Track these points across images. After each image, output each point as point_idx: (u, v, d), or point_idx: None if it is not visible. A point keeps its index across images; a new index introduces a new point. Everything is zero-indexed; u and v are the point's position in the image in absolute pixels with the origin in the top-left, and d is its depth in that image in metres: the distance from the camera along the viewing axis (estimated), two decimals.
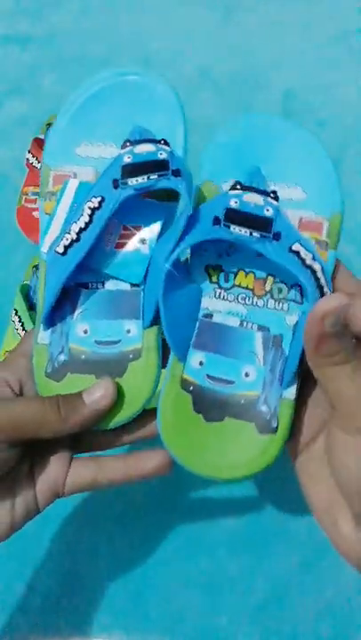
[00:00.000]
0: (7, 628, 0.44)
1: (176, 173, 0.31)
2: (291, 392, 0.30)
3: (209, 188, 0.33)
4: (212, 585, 0.45)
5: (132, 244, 0.33)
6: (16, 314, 0.52)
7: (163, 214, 0.33)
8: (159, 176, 0.30)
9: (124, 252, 0.33)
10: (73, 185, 0.32)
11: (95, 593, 0.45)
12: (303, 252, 0.29)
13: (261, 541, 0.47)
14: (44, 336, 0.33)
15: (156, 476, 0.33)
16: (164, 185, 0.30)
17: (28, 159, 0.66)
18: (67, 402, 0.30)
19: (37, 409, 0.30)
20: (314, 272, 0.29)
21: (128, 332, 0.32)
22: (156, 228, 0.33)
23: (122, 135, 0.33)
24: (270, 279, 0.32)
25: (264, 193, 0.31)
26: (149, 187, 0.30)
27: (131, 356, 0.32)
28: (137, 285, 0.33)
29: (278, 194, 0.31)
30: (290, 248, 0.29)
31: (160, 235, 0.33)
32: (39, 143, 0.68)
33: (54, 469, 0.33)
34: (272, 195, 0.31)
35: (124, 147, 0.32)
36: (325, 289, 0.29)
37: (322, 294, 0.29)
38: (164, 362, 0.33)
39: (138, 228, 0.33)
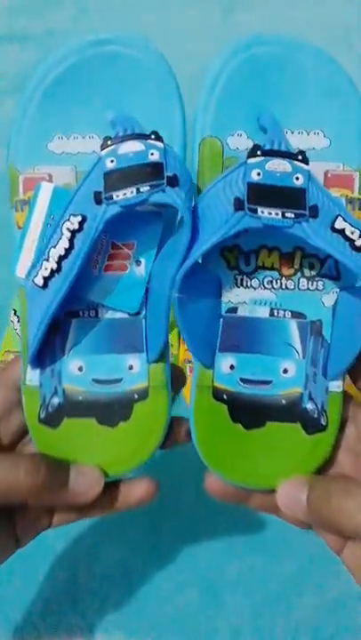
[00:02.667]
0: (7, 628, 0.44)
1: (172, 182, 0.24)
2: (338, 384, 0.26)
3: (213, 147, 0.26)
4: (212, 586, 0.45)
5: (126, 266, 0.27)
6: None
7: (160, 226, 0.27)
8: (151, 187, 0.24)
9: (116, 275, 0.26)
10: (46, 191, 0.26)
11: (95, 593, 0.45)
12: (349, 229, 0.24)
13: (262, 542, 0.46)
14: (32, 376, 0.27)
15: (141, 505, 0.29)
16: (157, 200, 0.24)
17: None
18: (50, 470, 0.25)
19: (9, 470, 0.24)
20: None
21: (130, 368, 0.27)
22: (152, 243, 0.27)
23: (104, 122, 0.26)
24: (298, 253, 0.27)
25: (290, 156, 0.24)
26: (140, 203, 0.24)
27: (136, 396, 0.27)
28: (136, 313, 0.27)
29: (297, 143, 0.25)
30: (332, 226, 0.24)
31: (158, 251, 0.27)
32: None
33: (36, 515, 0.29)
34: (300, 157, 0.25)
35: (104, 146, 0.25)
36: None
37: None
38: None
39: (130, 246, 0.27)
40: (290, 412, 0.27)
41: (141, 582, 0.45)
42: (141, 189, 0.24)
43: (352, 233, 0.24)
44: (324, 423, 0.27)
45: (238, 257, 0.27)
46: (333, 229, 0.24)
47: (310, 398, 0.27)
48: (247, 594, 0.44)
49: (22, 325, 0.27)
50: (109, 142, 0.25)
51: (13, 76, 0.87)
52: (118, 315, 0.27)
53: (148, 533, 0.47)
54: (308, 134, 0.26)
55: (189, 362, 0.52)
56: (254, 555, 0.46)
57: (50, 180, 0.27)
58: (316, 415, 0.27)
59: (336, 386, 0.27)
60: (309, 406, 0.27)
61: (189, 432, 0.28)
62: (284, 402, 0.27)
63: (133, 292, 0.27)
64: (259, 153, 0.25)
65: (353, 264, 0.24)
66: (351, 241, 0.24)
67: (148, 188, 0.24)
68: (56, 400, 0.27)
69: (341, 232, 0.24)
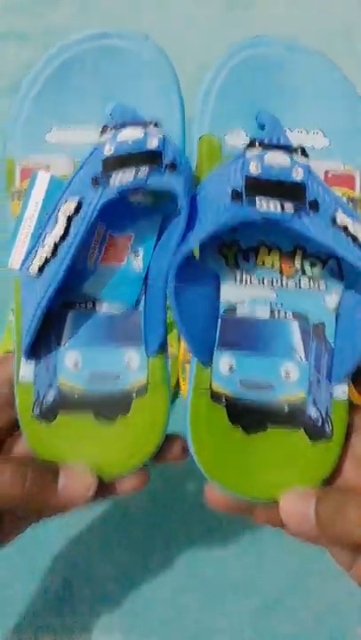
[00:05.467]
0: (7, 628, 0.44)
1: (171, 167, 0.23)
2: (343, 390, 0.25)
3: (211, 144, 0.26)
4: (213, 587, 0.45)
5: (123, 257, 0.26)
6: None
7: (158, 217, 0.26)
8: (150, 171, 0.23)
9: (112, 267, 0.26)
10: (43, 179, 0.25)
11: (95, 595, 0.45)
12: (351, 225, 0.23)
13: (262, 543, 0.46)
14: (26, 371, 0.26)
15: (133, 492, 0.28)
16: (155, 184, 0.23)
17: None
18: (37, 477, 0.24)
19: (8, 477, 0.24)
20: None
21: (128, 363, 0.26)
22: (150, 234, 0.26)
23: (102, 114, 0.26)
24: (299, 252, 0.26)
25: (289, 149, 0.24)
26: (138, 187, 0.23)
27: (134, 393, 0.26)
28: (134, 306, 0.26)
29: (297, 142, 0.25)
30: (333, 221, 0.23)
31: (156, 243, 0.26)
32: None
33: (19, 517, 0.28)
34: (300, 150, 0.24)
35: (103, 133, 0.25)
36: None
37: None
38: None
39: (128, 238, 0.26)
40: (293, 417, 0.26)
41: (141, 583, 0.45)
42: (139, 173, 0.23)
43: (354, 228, 0.23)
44: (328, 431, 0.25)
45: (237, 254, 0.26)
46: (335, 224, 0.23)
47: (314, 404, 0.26)
48: (247, 594, 0.44)
49: (16, 319, 0.26)
50: (108, 129, 0.25)
51: (12, 75, 0.86)
52: (116, 307, 0.26)
53: (147, 534, 0.47)
54: (307, 133, 0.26)
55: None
56: (254, 555, 0.45)
57: (47, 171, 0.26)
58: (320, 422, 0.25)
59: (341, 392, 0.26)
60: (313, 413, 0.26)
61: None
62: (286, 407, 0.26)
63: (131, 284, 0.26)
64: (257, 145, 0.24)
65: (356, 260, 0.23)
66: (354, 237, 0.23)
67: (147, 170, 0.23)
68: (51, 396, 0.26)
69: (344, 228, 0.23)
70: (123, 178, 0.23)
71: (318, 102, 0.26)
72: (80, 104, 0.27)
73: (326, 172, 0.26)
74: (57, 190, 0.25)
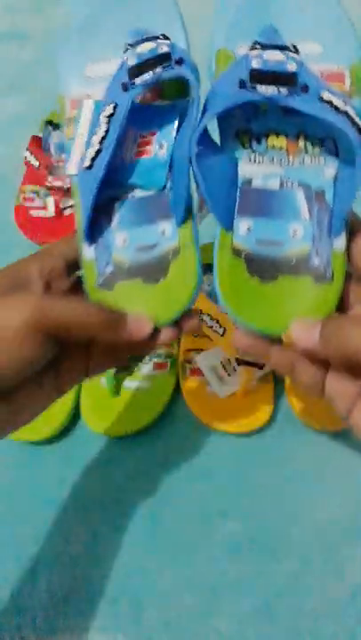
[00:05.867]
0: (6, 629, 0.44)
1: (179, 62, 0.31)
2: (341, 243, 0.31)
3: (225, 55, 0.33)
4: (212, 587, 0.45)
5: (151, 151, 0.33)
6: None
7: (176, 114, 0.33)
8: (163, 68, 0.30)
9: (144, 159, 0.33)
10: (88, 105, 0.33)
11: (95, 595, 0.45)
12: (335, 100, 0.29)
13: (261, 543, 0.46)
14: (88, 252, 0.33)
15: (170, 341, 0.33)
16: (169, 75, 0.30)
17: (25, 157, 0.66)
18: (111, 313, 0.31)
19: (88, 313, 0.30)
20: (350, 116, 0.29)
21: (163, 233, 0.33)
22: (171, 128, 0.33)
23: (122, 46, 0.33)
24: (302, 136, 0.32)
25: (284, 48, 0.30)
26: (156, 80, 0.31)
27: (170, 256, 0.32)
28: (163, 188, 0.33)
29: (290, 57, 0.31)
30: (320, 98, 0.29)
31: (177, 134, 0.33)
32: (37, 141, 0.68)
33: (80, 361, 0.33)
34: (292, 49, 0.30)
35: (125, 51, 0.32)
36: None
37: None
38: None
39: (153, 134, 0.33)
40: (300, 266, 0.32)
41: (141, 583, 0.45)
42: (156, 71, 0.31)
43: (337, 101, 0.30)
44: (329, 276, 0.31)
45: (251, 139, 0.33)
46: (321, 100, 0.30)
47: (317, 254, 0.31)
48: (247, 594, 0.44)
49: (76, 213, 0.33)
50: (129, 47, 0.32)
51: (12, 76, 0.86)
52: (149, 192, 0.33)
53: (147, 534, 0.47)
54: (304, 43, 0.32)
55: (189, 362, 0.52)
56: (254, 555, 0.45)
57: (89, 98, 0.34)
58: (322, 269, 0.31)
59: (339, 244, 0.31)
60: (316, 261, 0.31)
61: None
62: (294, 259, 0.32)
63: (159, 171, 0.33)
64: (258, 47, 0.30)
65: (340, 123, 0.29)
66: (337, 107, 0.30)
67: (161, 68, 0.31)
68: (109, 269, 0.33)
69: (329, 102, 0.30)
70: (143, 78, 0.31)
71: (312, 19, 0.34)
72: (105, 42, 0.35)
73: (321, 73, 0.32)
74: (98, 110, 0.32)
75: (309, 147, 0.32)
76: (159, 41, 0.31)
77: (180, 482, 0.49)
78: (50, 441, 0.51)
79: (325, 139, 0.32)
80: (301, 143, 0.33)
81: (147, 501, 0.48)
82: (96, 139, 0.31)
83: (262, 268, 0.32)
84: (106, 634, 0.43)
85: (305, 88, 0.30)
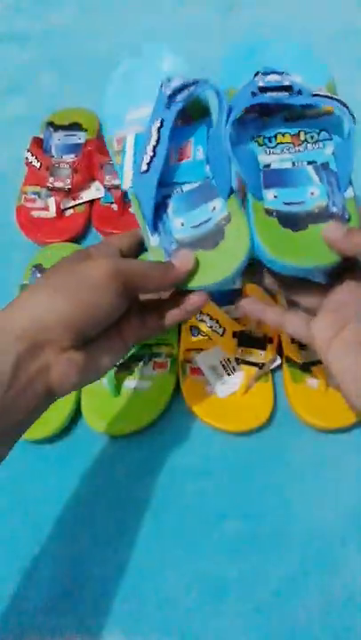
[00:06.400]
0: (7, 628, 0.44)
1: (204, 82, 0.41)
2: (350, 192, 0.40)
3: (233, 93, 0.42)
4: (213, 586, 0.45)
5: (190, 155, 0.42)
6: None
7: (205, 126, 0.43)
8: (195, 87, 0.41)
9: (186, 162, 0.42)
10: (131, 138, 0.43)
11: (96, 594, 0.45)
12: (324, 92, 0.40)
13: (261, 542, 0.46)
14: (153, 240, 0.41)
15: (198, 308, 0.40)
16: (200, 89, 0.41)
17: (27, 158, 0.66)
18: (164, 264, 0.39)
19: (149, 266, 0.38)
20: (340, 100, 0.39)
21: (214, 209, 0.40)
22: (203, 136, 0.42)
23: (154, 97, 0.42)
24: (302, 133, 0.41)
25: (280, 73, 0.40)
26: (191, 95, 0.40)
27: (223, 222, 0.40)
28: (206, 178, 0.42)
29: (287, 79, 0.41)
30: (313, 94, 0.40)
31: (208, 140, 0.42)
32: (38, 142, 0.68)
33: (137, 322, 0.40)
34: (286, 73, 0.41)
35: (161, 87, 0.41)
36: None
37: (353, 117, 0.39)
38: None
39: (190, 142, 0.43)
40: (322, 215, 0.39)
41: (142, 583, 0.45)
42: (189, 89, 0.40)
43: (327, 92, 0.40)
44: (347, 217, 0.39)
45: (264, 139, 0.42)
46: (314, 95, 0.40)
47: (334, 205, 0.39)
48: (247, 594, 0.44)
49: (137, 216, 0.41)
50: (164, 83, 0.41)
51: (13, 76, 0.86)
52: (195, 185, 0.42)
53: (148, 534, 0.47)
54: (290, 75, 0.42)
55: (188, 362, 0.52)
56: (254, 555, 0.46)
57: (131, 134, 0.43)
58: (340, 213, 0.39)
59: (348, 194, 0.40)
60: (335, 209, 0.39)
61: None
62: (316, 210, 0.39)
63: (200, 168, 0.42)
64: (260, 74, 0.40)
65: (335, 105, 0.39)
66: (327, 96, 0.40)
67: (193, 87, 0.40)
68: (173, 247, 0.40)
69: (320, 95, 0.40)
70: (181, 96, 0.40)
71: (292, 59, 0.44)
72: (141, 92, 0.44)
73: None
74: (140, 140, 0.42)
75: (309, 138, 0.42)
76: (186, 79, 0.41)
77: (180, 481, 0.49)
78: (51, 440, 0.51)
79: (320, 131, 0.42)
80: (302, 136, 0.42)
81: (147, 500, 0.49)
82: (149, 148, 0.39)
83: (292, 221, 0.39)
84: (106, 633, 0.43)
85: (300, 92, 0.40)
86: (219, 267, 0.39)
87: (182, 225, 0.41)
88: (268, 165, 0.41)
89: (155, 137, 0.39)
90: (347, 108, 0.40)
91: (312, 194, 0.40)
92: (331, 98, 0.40)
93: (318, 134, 0.42)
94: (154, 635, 0.43)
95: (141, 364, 0.53)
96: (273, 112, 0.42)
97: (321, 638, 0.42)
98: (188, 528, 0.47)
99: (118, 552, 0.47)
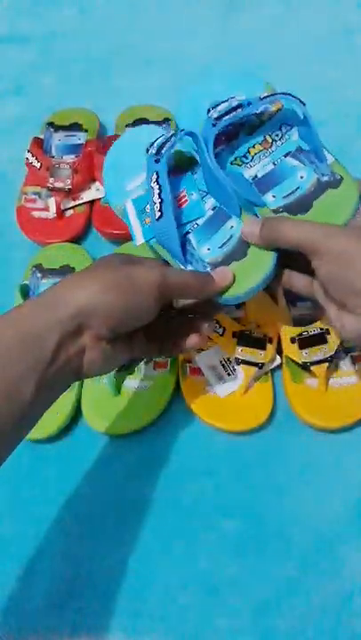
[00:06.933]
0: (8, 629, 0.44)
1: (180, 131, 0.46)
2: (330, 158, 0.45)
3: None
4: (212, 585, 0.45)
5: (187, 200, 0.47)
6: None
7: (191, 175, 0.48)
8: (175, 140, 0.46)
9: (186, 205, 0.47)
10: (130, 203, 0.48)
11: (95, 593, 0.45)
12: (270, 94, 0.46)
13: (261, 542, 0.46)
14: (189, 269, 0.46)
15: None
16: (179, 137, 0.46)
17: (27, 158, 0.66)
18: (204, 276, 0.43)
19: (191, 276, 0.42)
20: (283, 93, 0.45)
21: (232, 227, 0.45)
22: (193, 184, 0.48)
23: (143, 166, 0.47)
24: (267, 136, 0.47)
25: (226, 100, 0.47)
26: (173, 145, 0.45)
27: (240, 237, 0.44)
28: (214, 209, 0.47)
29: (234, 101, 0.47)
30: (261, 99, 0.46)
31: (198, 183, 0.48)
32: (38, 143, 0.68)
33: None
34: (230, 97, 0.47)
35: (147, 151, 0.46)
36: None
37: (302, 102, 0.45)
38: None
39: (183, 190, 0.48)
40: (318, 189, 0.44)
41: (142, 582, 0.45)
42: (171, 141, 0.45)
43: (273, 91, 0.49)
44: (339, 178, 0.44)
45: (240, 159, 0.48)
46: (262, 99, 0.46)
47: (322, 175, 0.45)
48: (247, 594, 0.44)
49: (168, 258, 0.46)
50: (149, 147, 0.47)
51: (14, 77, 0.86)
52: (207, 216, 0.47)
53: (148, 534, 0.47)
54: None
55: (188, 362, 0.52)
56: (254, 555, 0.46)
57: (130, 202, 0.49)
58: (331, 178, 0.44)
59: (329, 160, 0.45)
60: (325, 178, 0.44)
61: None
62: (312, 188, 0.44)
63: (199, 206, 0.47)
64: (211, 109, 0.47)
65: (284, 97, 0.45)
66: (274, 94, 0.46)
67: (173, 141, 0.45)
68: (208, 269, 0.44)
69: (267, 97, 0.46)
70: (165, 149, 0.45)
71: (234, 81, 0.52)
72: (134, 165, 0.49)
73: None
74: (139, 203, 0.47)
75: (274, 137, 0.47)
76: (163, 129, 0.50)
77: (180, 481, 0.49)
78: (51, 439, 0.51)
79: (280, 126, 0.48)
80: (269, 139, 0.48)
81: (147, 500, 0.49)
82: (155, 198, 0.44)
83: (298, 208, 0.44)
84: (107, 633, 0.43)
85: (249, 103, 0.45)
86: (251, 274, 0.43)
87: (209, 250, 0.45)
88: (255, 177, 0.47)
89: (156, 188, 0.44)
90: (291, 95, 0.45)
91: (301, 177, 0.45)
92: (275, 94, 0.46)
93: (280, 130, 0.48)
94: (154, 634, 0.43)
95: (142, 363, 0.53)
96: (235, 134, 0.47)
97: (321, 638, 0.42)
98: (188, 528, 0.47)
99: (118, 552, 0.47)
